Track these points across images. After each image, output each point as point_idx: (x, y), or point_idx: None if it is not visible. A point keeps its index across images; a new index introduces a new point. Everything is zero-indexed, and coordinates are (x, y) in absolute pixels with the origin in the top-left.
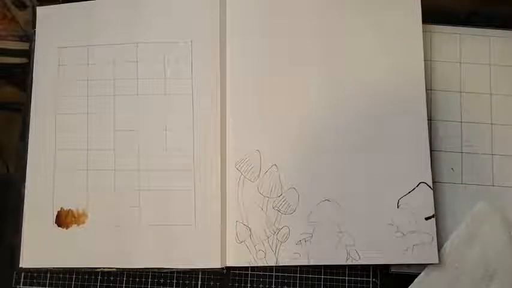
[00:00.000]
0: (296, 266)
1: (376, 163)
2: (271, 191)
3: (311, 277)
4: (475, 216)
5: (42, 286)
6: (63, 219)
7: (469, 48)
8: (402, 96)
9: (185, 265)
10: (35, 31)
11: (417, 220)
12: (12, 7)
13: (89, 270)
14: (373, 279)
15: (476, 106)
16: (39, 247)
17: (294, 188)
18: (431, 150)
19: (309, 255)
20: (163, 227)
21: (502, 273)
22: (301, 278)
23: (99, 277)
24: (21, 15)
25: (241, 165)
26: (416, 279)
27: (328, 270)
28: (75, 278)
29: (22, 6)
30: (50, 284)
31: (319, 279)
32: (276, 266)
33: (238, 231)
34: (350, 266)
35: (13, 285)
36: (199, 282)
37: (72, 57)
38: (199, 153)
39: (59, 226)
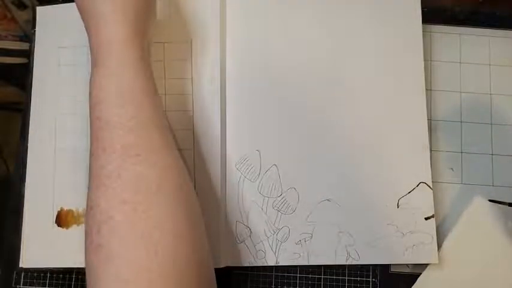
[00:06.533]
0: (296, 266)
1: (376, 163)
2: (271, 191)
3: (311, 277)
4: (472, 213)
5: (42, 286)
6: (63, 219)
7: (469, 48)
8: (402, 96)
9: None
10: (35, 31)
11: (417, 220)
12: (12, 7)
13: None
14: (373, 279)
15: (476, 106)
16: (39, 247)
17: (294, 188)
18: (431, 150)
19: (309, 255)
20: None
21: (501, 270)
22: (301, 278)
23: None
24: (21, 15)
25: (241, 165)
26: (418, 280)
27: (328, 270)
28: (75, 278)
29: (22, 6)
30: (50, 284)
31: (319, 279)
32: (276, 266)
33: (238, 231)
34: (350, 266)
35: (13, 285)
36: None
37: (72, 57)
38: (199, 153)
39: (59, 226)
